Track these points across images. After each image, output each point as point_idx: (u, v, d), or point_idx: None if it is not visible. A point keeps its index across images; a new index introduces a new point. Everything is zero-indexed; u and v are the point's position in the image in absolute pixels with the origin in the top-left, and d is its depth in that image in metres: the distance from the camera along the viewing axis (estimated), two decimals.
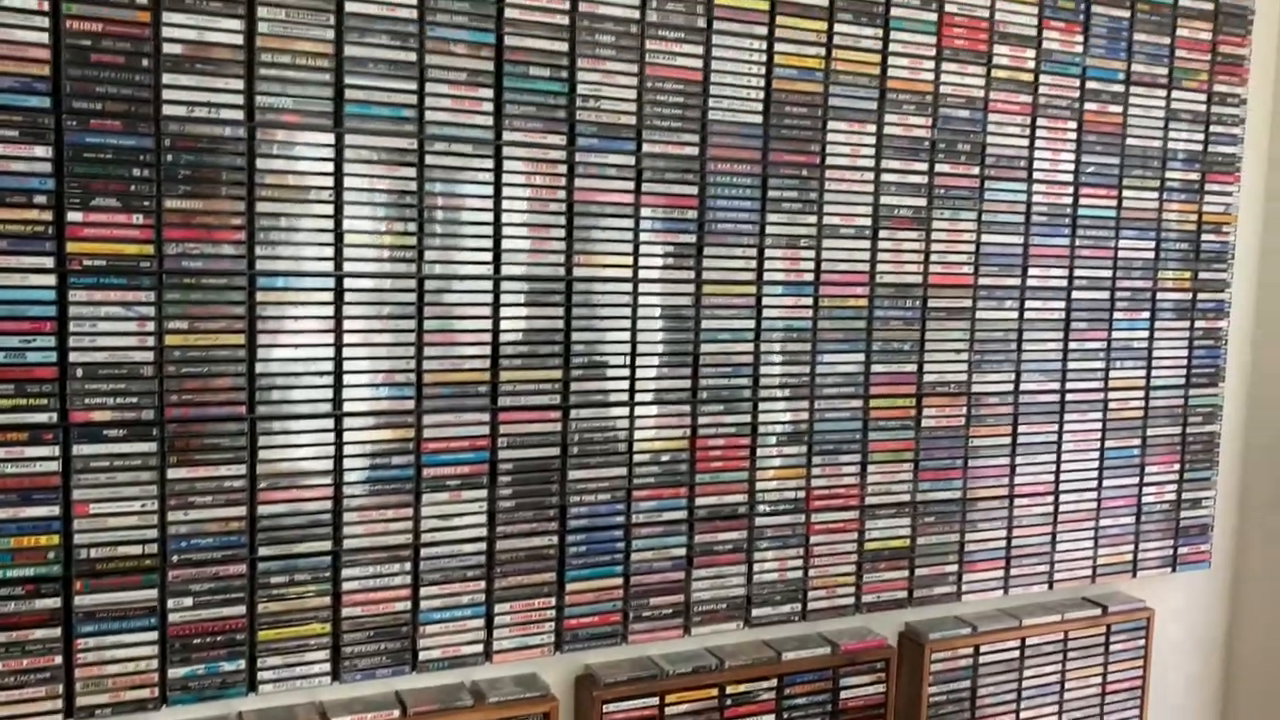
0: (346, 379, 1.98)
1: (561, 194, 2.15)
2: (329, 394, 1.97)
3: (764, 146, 2.32)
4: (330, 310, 1.96)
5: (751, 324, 2.35)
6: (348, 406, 1.98)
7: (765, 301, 2.36)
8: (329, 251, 1.95)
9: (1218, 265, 2.91)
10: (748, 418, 2.36)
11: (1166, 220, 2.81)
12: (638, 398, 2.25)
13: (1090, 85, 2.67)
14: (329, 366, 1.96)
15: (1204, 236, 2.88)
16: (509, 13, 2.06)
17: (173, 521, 1.86)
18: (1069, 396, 2.72)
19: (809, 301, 2.40)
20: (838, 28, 2.36)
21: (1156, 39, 2.74)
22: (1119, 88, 2.71)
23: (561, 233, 2.15)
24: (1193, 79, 2.80)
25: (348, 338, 1.97)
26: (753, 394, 2.36)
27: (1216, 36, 2.82)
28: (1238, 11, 2.84)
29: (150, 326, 1.82)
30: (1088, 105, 2.67)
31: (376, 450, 2.02)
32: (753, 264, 2.34)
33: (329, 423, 1.97)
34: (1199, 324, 2.90)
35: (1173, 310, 2.85)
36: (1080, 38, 2.64)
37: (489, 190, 2.08)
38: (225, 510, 1.90)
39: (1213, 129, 2.85)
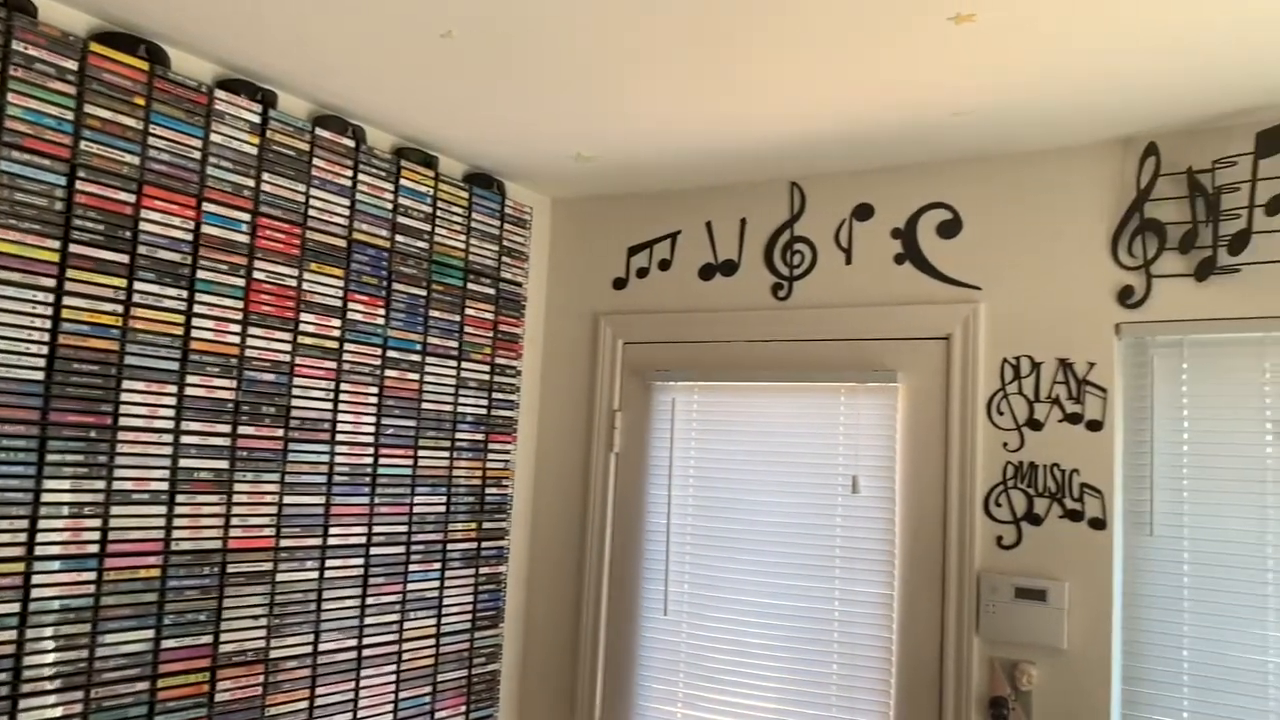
0: None
1: None
2: None
3: (44, 406, 2.10)
4: None
5: (17, 607, 2.05)
6: None
7: (36, 580, 2.08)
8: None
9: (499, 515, 3.26)
10: (4, 718, 2.02)
11: (456, 476, 3.09)
12: None
13: (391, 354, 2.88)
14: None
15: (488, 490, 3.21)
16: None
17: None
18: (366, 652, 2.79)
19: (92, 576, 2.17)
20: (138, 285, 2.27)
21: (449, 316, 3.07)
22: (417, 357, 2.96)
23: None
24: (479, 352, 3.18)
25: None
26: (12, 690, 2.03)
27: (498, 317, 3.25)
28: (513, 297, 3.31)
29: None
30: (388, 372, 2.87)
31: None
32: (22, 538, 2.06)
33: None
34: (483, 570, 3.19)
35: (461, 559, 3.11)
36: (383, 311, 2.86)
37: None
38: None
39: (495, 395, 3.24)
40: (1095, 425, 2.65)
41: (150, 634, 2.28)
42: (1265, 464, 2.48)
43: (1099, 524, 2.62)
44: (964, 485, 2.79)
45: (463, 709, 3.09)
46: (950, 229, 2.92)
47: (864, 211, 3.06)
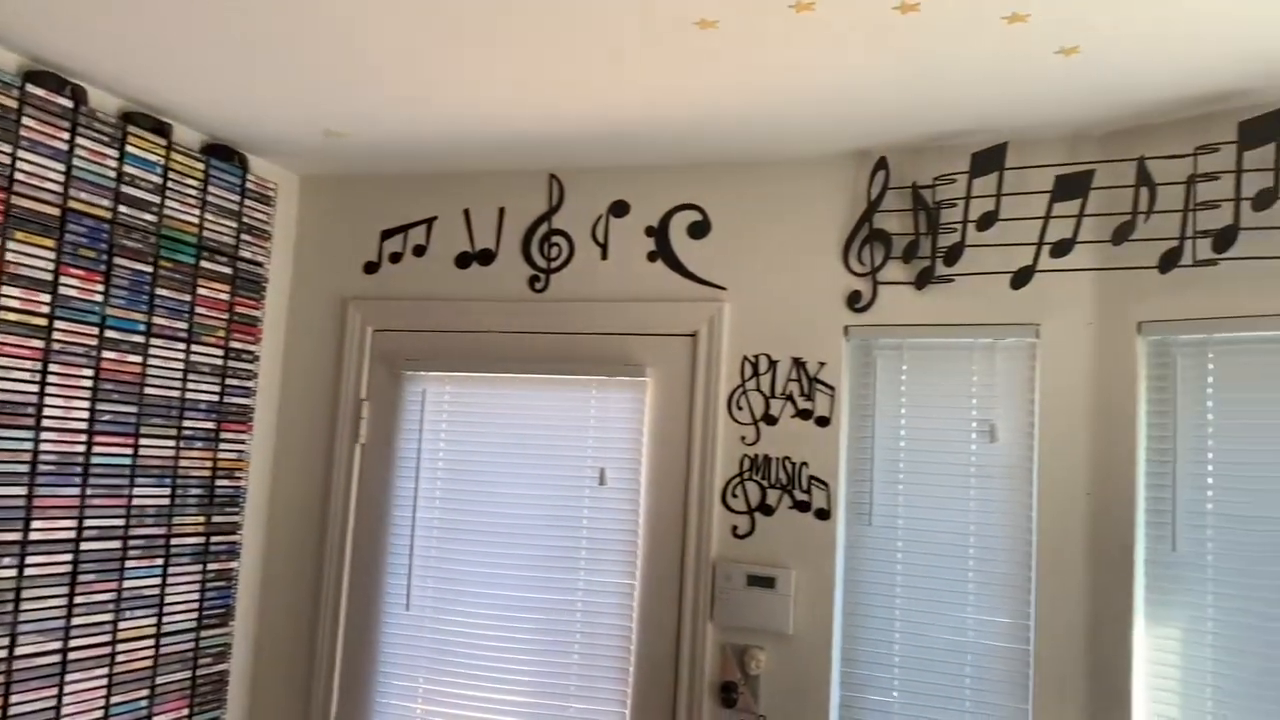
0: None
1: None
2: None
3: None
4: None
5: None
6: None
7: None
8: None
9: (231, 509, 3.08)
10: None
11: (183, 467, 2.90)
12: None
13: (110, 334, 2.66)
14: None
15: (219, 482, 3.03)
16: None
17: None
18: (72, 655, 2.57)
19: None
20: None
21: (178, 295, 2.87)
22: (140, 338, 2.75)
23: None
24: (212, 335, 2.99)
25: None
26: None
27: (234, 298, 3.07)
28: (253, 278, 3.14)
29: None
30: (106, 354, 2.66)
31: None
32: None
33: None
34: (212, 566, 3.01)
35: (188, 555, 2.92)
36: (101, 287, 2.64)
37: None
38: None
39: (229, 381, 3.06)
40: (824, 421, 2.80)
41: None
42: (970, 460, 2.69)
43: (824, 514, 2.77)
44: (704, 477, 2.88)
45: (185, 712, 2.91)
46: (700, 230, 3.00)
47: (620, 208, 3.10)
